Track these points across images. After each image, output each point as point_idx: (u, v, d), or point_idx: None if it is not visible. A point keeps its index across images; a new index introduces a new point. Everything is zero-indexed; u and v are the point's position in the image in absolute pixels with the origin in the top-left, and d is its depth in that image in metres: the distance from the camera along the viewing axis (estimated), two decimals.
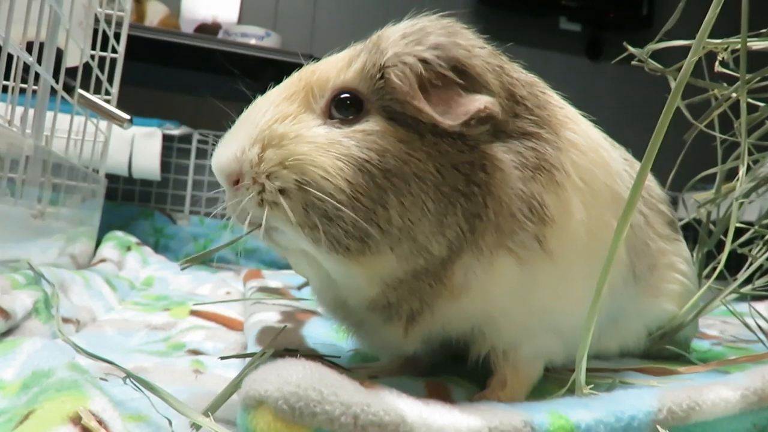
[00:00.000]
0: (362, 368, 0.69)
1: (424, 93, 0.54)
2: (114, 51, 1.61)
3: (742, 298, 0.97)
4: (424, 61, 0.55)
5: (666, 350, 0.84)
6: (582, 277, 0.58)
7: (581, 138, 0.61)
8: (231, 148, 0.56)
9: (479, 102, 0.54)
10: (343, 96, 0.57)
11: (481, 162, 0.55)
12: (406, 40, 0.56)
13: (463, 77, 0.55)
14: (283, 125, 0.56)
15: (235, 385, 0.52)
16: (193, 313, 1.04)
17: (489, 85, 0.56)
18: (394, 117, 0.55)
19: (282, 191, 0.53)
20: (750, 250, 0.97)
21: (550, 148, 0.58)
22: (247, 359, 0.67)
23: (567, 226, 0.57)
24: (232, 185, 0.56)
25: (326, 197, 0.52)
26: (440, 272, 0.55)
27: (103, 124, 1.58)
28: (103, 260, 1.48)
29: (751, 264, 0.89)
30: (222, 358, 0.73)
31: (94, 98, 1.37)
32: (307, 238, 0.54)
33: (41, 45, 1.03)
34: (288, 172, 0.54)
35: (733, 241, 0.84)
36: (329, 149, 0.54)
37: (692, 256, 0.96)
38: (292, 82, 0.60)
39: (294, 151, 0.54)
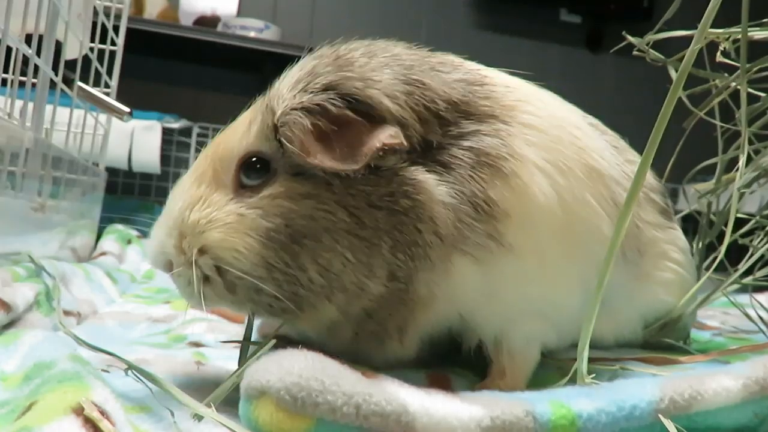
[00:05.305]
0: None
1: (323, 140, 0.53)
2: (113, 43, 1.60)
3: (743, 289, 0.97)
4: (316, 108, 0.53)
5: (664, 341, 0.84)
6: (557, 258, 0.58)
7: (540, 118, 0.60)
8: (155, 242, 0.59)
9: (377, 139, 0.52)
10: (248, 162, 0.57)
11: (402, 189, 0.54)
12: (295, 90, 0.55)
13: (362, 112, 0.54)
14: (195, 212, 0.57)
15: (237, 376, 0.52)
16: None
17: (391, 112, 0.54)
18: (300, 171, 0.55)
19: (206, 278, 0.55)
20: (751, 241, 0.97)
21: (494, 139, 0.56)
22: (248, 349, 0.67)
23: (528, 214, 0.56)
24: (170, 272, 0.59)
25: (244, 276, 0.54)
26: (403, 294, 0.55)
27: (102, 117, 1.58)
28: (103, 253, 1.48)
29: (752, 255, 0.89)
30: (223, 342, 0.74)
31: (94, 91, 1.36)
32: (244, 310, 0.57)
33: (40, 37, 1.02)
34: (206, 258, 0.55)
35: (734, 231, 0.84)
36: (239, 227, 0.55)
37: (693, 247, 0.96)
38: (200, 162, 0.60)
39: (207, 238, 0.55)
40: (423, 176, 0.54)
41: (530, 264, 0.57)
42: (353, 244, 0.53)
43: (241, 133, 0.58)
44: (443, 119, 0.56)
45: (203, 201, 0.57)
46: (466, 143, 0.56)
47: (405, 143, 0.54)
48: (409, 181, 0.54)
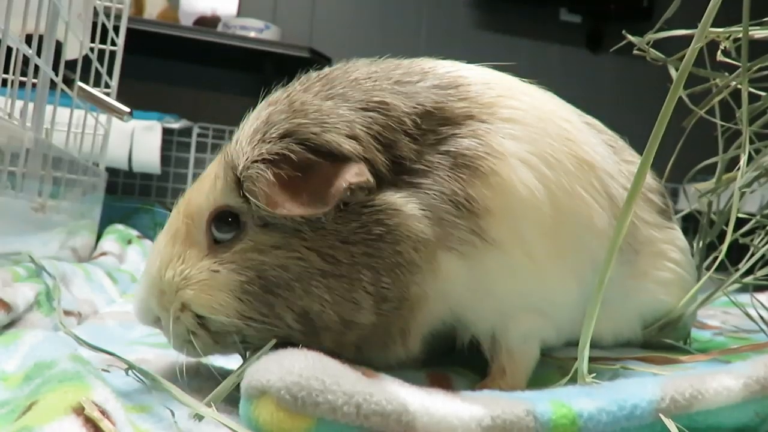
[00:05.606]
0: None
1: (289, 187, 0.52)
2: (113, 44, 1.60)
3: (744, 288, 0.97)
4: (276, 157, 0.53)
5: (664, 341, 0.84)
6: (547, 252, 0.57)
7: (523, 111, 0.59)
8: (139, 301, 0.60)
9: (343, 179, 0.52)
10: (218, 216, 0.57)
11: (374, 218, 0.53)
12: (253, 142, 0.55)
13: (323, 153, 0.53)
14: (170, 270, 0.57)
15: (237, 375, 0.52)
16: None
17: (352, 154, 0.53)
18: (268, 222, 0.55)
19: (192, 331, 0.56)
20: (752, 240, 0.97)
21: (471, 140, 0.56)
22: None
23: (510, 209, 0.56)
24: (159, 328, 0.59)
25: (227, 329, 0.55)
26: (401, 303, 0.55)
27: (102, 117, 1.58)
28: (104, 253, 1.48)
29: (752, 254, 0.89)
30: None
31: (94, 91, 1.36)
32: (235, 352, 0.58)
33: (40, 37, 1.02)
34: (186, 315, 0.56)
35: (735, 231, 0.84)
36: (212, 284, 0.55)
37: (693, 246, 0.96)
38: (173, 219, 0.60)
39: (183, 296, 0.56)
40: (393, 198, 0.54)
41: (517, 259, 0.56)
42: (331, 285, 0.53)
43: (207, 189, 0.57)
44: (413, 135, 0.56)
45: (179, 258, 0.57)
46: (443, 148, 0.56)
47: (371, 180, 0.53)
48: (380, 207, 0.53)
